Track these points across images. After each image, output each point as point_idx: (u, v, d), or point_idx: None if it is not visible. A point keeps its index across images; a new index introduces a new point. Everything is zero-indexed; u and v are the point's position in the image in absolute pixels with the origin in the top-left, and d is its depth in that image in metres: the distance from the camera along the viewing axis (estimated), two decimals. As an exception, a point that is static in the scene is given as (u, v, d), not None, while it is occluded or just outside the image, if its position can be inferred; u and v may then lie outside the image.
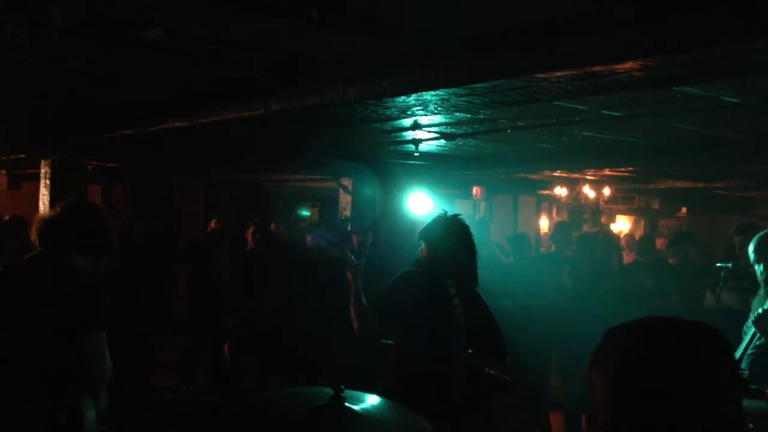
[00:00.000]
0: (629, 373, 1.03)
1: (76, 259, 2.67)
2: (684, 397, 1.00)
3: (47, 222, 2.71)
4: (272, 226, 7.08)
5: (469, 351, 3.47)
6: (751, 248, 3.60)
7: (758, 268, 3.56)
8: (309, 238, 6.41)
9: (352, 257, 3.57)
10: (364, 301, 3.42)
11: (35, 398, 2.46)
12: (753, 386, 2.26)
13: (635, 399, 1.02)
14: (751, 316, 3.43)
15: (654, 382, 1.01)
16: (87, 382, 2.50)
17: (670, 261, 6.30)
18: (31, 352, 2.48)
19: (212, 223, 7.22)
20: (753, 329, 3.37)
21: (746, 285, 4.15)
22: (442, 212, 3.58)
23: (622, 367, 1.04)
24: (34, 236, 2.71)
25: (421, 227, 3.60)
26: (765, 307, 3.35)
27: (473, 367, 3.43)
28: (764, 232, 3.60)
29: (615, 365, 1.05)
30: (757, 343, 3.34)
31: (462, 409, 3.32)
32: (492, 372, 3.43)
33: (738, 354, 3.37)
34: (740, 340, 3.45)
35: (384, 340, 3.60)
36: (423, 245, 3.51)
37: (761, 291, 3.58)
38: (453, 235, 3.49)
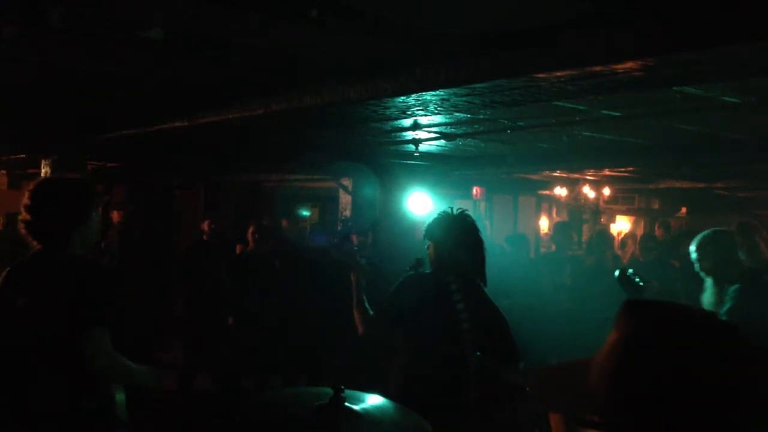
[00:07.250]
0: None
1: (70, 248, 2.53)
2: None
3: (23, 223, 2.54)
4: (283, 223, 7.07)
5: (478, 354, 3.40)
6: (692, 247, 3.80)
7: (704, 264, 3.75)
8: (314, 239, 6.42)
9: (358, 259, 3.53)
10: (366, 305, 3.39)
11: (60, 390, 2.43)
12: None
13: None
14: None
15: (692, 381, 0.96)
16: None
17: (673, 262, 6.28)
18: (49, 347, 2.43)
19: (205, 225, 7.12)
20: None
21: None
22: (448, 209, 3.48)
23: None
24: (24, 234, 2.54)
25: (425, 226, 3.51)
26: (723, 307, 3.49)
27: (483, 368, 3.37)
28: (706, 232, 3.83)
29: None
30: None
31: (473, 409, 3.27)
32: (503, 376, 3.39)
33: None
34: None
35: (389, 344, 3.55)
36: (429, 244, 3.44)
37: (707, 283, 3.75)
38: (458, 232, 3.38)
